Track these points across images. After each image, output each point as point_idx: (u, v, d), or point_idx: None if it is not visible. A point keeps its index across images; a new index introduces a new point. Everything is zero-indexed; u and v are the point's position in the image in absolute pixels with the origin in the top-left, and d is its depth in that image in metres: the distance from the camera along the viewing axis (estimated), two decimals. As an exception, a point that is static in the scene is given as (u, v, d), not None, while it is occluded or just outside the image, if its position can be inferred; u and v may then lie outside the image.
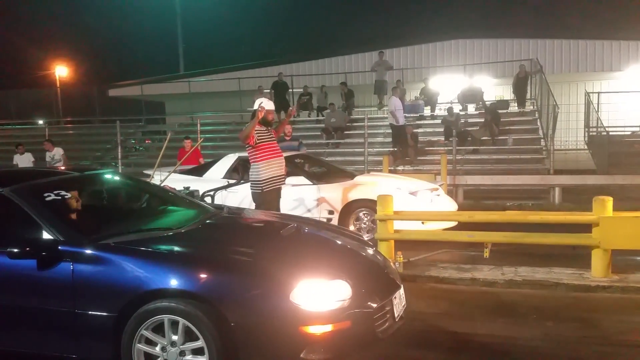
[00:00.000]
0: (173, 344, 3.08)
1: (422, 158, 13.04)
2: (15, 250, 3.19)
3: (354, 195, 7.11)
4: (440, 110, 15.14)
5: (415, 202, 6.83)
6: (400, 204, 6.22)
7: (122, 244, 3.36)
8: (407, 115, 13.74)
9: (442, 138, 13.47)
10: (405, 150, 12.92)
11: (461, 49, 18.04)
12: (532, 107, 14.73)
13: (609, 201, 5.11)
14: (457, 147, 11.90)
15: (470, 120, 14.13)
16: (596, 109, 13.95)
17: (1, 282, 3.38)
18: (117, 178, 4.87)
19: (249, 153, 5.96)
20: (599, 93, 14.39)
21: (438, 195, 7.44)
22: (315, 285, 3.08)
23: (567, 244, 5.63)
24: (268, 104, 6.01)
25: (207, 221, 4.04)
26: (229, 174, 7.73)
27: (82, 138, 18.77)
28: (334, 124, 14.67)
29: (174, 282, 3.08)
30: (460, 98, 15.12)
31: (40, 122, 21.75)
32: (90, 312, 3.17)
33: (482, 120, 13.64)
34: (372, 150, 13.05)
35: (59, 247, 3.27)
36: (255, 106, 6.01)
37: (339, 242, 3.97)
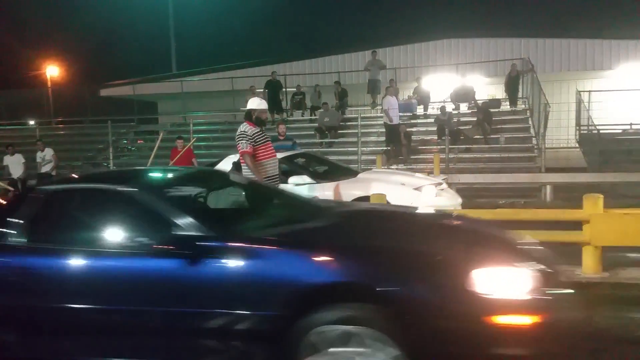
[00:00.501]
0: (347, 350, 2.71)
1: (415, 157, 13.10)
2: (157, 249, 3.02)
3: (358, 192, 7.05)
4: (433, 110, 15.19)
5: (421, 198, 6.79)
6: (405, 200, 6.19)
7: (272, 236, 3.13)
8: (400, 114, 13.78)
9: (435, 137, 13.52)
10: (399, 149, 12.97)
11: (454, 48, 18.13)
12: (523, 106, 14.83)
13: (600, 198, 5.17)
14: (450, 146, 11.97)
15: (462, 119, 14.20)
16: (587, 107, 14.06)
17: (142, 286, 3.09)
18: (224, 174, 4.76)
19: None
20: (589, 92, 14.50)
21: (442, 189, 7.43)
22: (499, 272, 2.79)
23: (558, 241, 5.69)
24: (261, 104, 6.05)
25: (339, 213, 3.77)
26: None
27: (73, 138, 18.66)
28: (327, 123, 14.69)
29: (343, 275, 2.78)
30: (453, 97, 15.18)
31: (31, 122, 21.63)
32: (244, 312, 2.86)
33: (475, 119, 13.71)
34: (365, 150, 13.10)
35: (204, 243, 3.01)
36: (249, 106, 6.05)
37: (485, 229, 3.67)
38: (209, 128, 17.17)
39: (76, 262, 3.27)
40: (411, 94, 15.77)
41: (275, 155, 6.06)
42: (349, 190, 7.11)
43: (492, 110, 13.94)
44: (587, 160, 12.78)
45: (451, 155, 12.00)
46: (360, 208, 4.40)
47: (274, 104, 15.23)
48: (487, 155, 12.74)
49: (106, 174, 4.72)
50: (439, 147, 12.58)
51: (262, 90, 15.61)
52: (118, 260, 3.19)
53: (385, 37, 19.71)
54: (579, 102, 13.97)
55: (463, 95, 15.08)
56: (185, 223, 3.12)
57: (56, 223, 3.57)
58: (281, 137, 9.55)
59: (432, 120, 14.29)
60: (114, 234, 3.33)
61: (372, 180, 7.34)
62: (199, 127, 16.40)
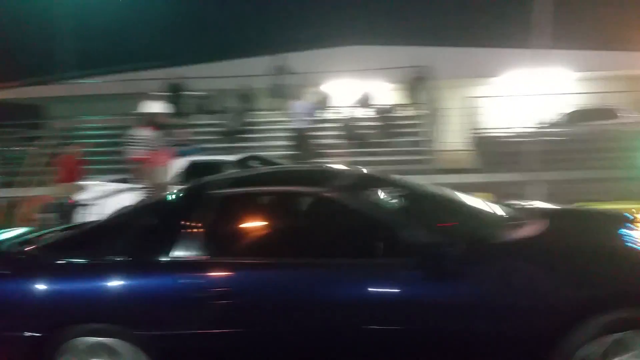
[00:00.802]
0: None
1: (320, 161, 13.22)
2: (391, 260, 2.73)
3: None
4: (337, 115, 15.46)
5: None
6: None
7: (518, 243, 2.92)
8: (306, 119, 13.88)
9: (338, 141, 13.74)
10: (305, 153, 13.04)
11: (358, 55, 18.46)
12: (421, 111, 15.47)
13: (487, 196, 5.46)
14: (352, 150, 12.22)
15: (364, 123, 14.58)
16: (479, 112, 14.97)
17: (366, 304, 2.77)
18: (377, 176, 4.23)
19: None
20: (481, 97, 15.43)
21: None
22: None
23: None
24: (162, 107, 5.86)
25: (534, 215, 3.47)
26: (181, 179, 7.42)
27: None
28: (231, 127, 14.48)
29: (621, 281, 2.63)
30: (356, 102, 15.55)
31: None
32: (505, 332, 2.60)
33: (376, 123, 14.11)
34: (271, 154, 13.02)
35: (448, 251, 2.71)
36: (148, 109, 5.83)
37: None
38: (105, 133, 16.24)
39: (280, 276, 2.88)
40: (315, 99, 15.91)
41: (171, 162, 5.88)
42: None
43: (392, 115, 14.45)
44: (479, 162, 13.57)
45: (353, 159, 12.24)
46: (537, 208, 4.05)
47: (177, 107, 14.74)
48: (387, 159, 13.15)
49: (275, 175, 4.08)
50: (342, 151, 12.81)
51: (162, 93, 15.05)
52: (334, 274, 2.85)
53: (291, 42, 19.78)
54: (472, 108, 14.83)
55: (365, 101, 15.49)
56: (418, 230, 2.81)
57: (237, 231, 3.18)
58: (183, 143, 9.30)
59: (336, 125, 14.53)
60: (322, 244, 2.99)
61: None
62: (92, 133, 15.50)
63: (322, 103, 15.46)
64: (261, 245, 3.14)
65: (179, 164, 7.81)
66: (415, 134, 14.37)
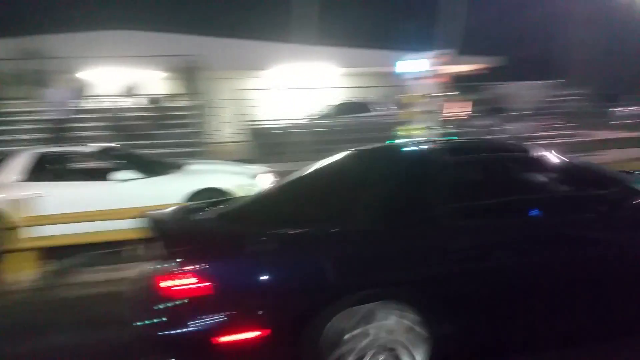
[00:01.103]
0: None
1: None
2: None
3: (200, 184, 6.83)
4: (100, 104, 14.20)
5: (259, 185, 6.74)
6: (246, 188, 6.36)
7: None
8: (62, 108, 12.43)
9: (103, 132, 12.68)
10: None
11: (124, 41, 17.11)
12: (194, 102, 15.07)
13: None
14: (119, 143, 11.30)
15: (132, 114, 13.65)
16: (251, 104, 15.16)
17: None
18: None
19: None
20: (253, 89, 15.65)
21: (273, 177, 7.60)
22: None
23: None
24: None
25: None
26: (30, 175, 6.87)
27: None
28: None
29: None
30: (121, 91, 14.48)
31: None
32: None
33: (146, 114, 13.34)
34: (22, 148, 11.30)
35: None
36: None
37: None
38: None
39: (531, 233, 3.24)
40: (72, 87, 14.36)
41: None
42: (186, 183, 6.86)
43: (162, 105, 13.86)
44: (255, 152, 13.73)
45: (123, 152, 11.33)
46: None
47: None
48: (158, 151, 12.48)
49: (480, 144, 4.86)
50: (108, 144, 11.77)
51: None
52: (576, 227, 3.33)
53: (44, 23, 17.52)
54: (244, 99, 14.96)
55: (132, 89, 14.57)
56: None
57: (483, 193, 3.44)
58: None
59: (99, 115, 13.36)
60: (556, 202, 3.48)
61: (207, 172, 7.28)
62: None
63: (81, 91, 14.00)
64: (509, 203, 3.39)
65: (24, 157, 7.14)
66: (187, 125, 13.95)
